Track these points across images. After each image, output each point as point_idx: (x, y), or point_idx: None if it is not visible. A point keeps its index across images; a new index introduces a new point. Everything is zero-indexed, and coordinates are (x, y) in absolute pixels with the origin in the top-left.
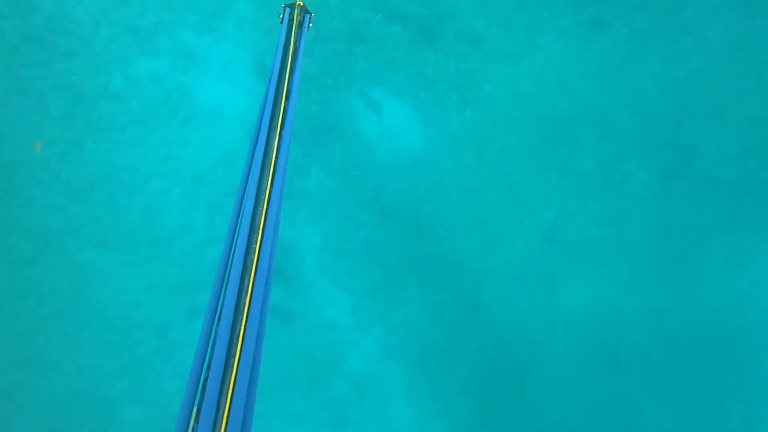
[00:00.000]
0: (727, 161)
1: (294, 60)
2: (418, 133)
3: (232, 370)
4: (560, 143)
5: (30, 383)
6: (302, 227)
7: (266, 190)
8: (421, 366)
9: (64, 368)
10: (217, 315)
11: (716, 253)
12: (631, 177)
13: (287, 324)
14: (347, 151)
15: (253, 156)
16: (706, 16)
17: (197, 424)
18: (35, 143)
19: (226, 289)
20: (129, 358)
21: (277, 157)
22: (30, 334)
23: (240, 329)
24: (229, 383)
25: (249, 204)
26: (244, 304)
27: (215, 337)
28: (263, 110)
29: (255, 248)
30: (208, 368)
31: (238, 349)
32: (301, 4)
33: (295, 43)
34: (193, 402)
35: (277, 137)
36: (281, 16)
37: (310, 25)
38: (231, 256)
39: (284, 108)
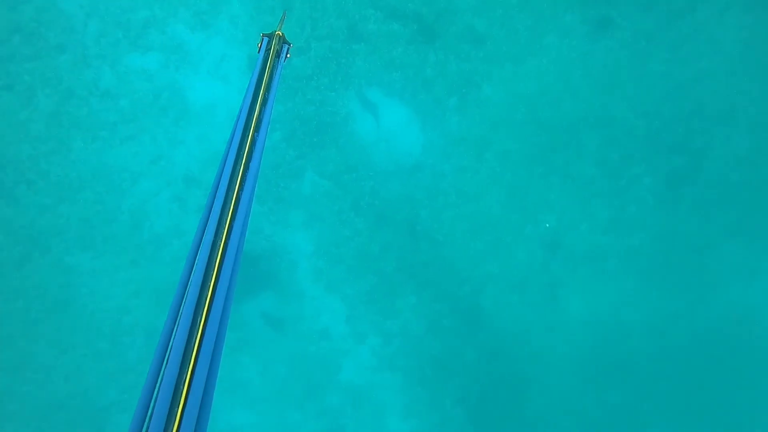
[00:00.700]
0: (736, 166)
1: (267, 91)
2: (416, 136)
3: (186, 375)
4: (563, 147)
5: (16, 390)
6: (295, 232)
7: (225, 225)
8: (418, 376)
9: (51, 375)
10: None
11: (725, 261)
12: (636, 182)
13: (279, 332)
14: (343, 153)
15: (217, 186)
16: (717, 16)
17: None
18: None
19: (186, 291)
20: (117, 365)
21: (240, 187)
22: (16, 339)
23: (198, 329)
24: (182, 394)
25: (208, 240)
26: (198, 325)
27: (173, 339)
28: (231, 141)
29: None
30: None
31: (193, 355)
32: (280, 34)
33: (270, 74)
34: (148, 403)
35: (241, 169)
36: (259, 45)
37: (288, 56)
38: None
39: (252, 138)
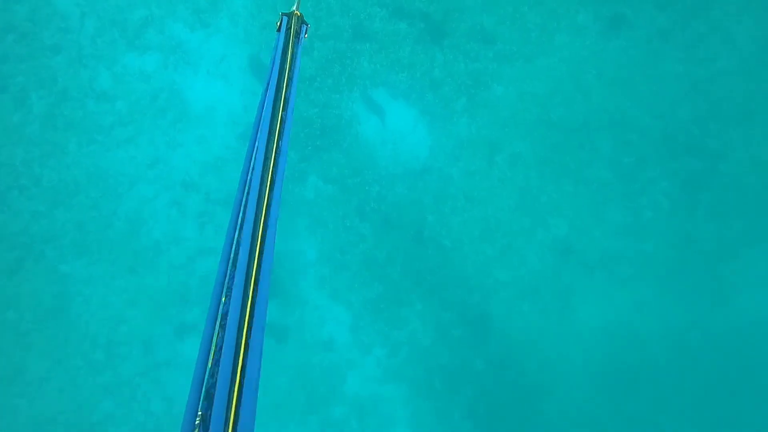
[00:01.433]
0: (754, 169)
1: (291, 69)
2: (423, 138)
3: (235, 389)
4: (575, 149)
5: (7, 403)
6: (298, 238)
7: (264, 204)
8: (425, 388)
9: (44, 387)
10: (215, 339)
11: (743, 267)
12: (651, 186)
13: (282, 342)
14: (347, 157)
15: (251, 166)
16: (734, 14)
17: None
18: None
19: (228, 305)
20: (113, 378)
21: (275, 169)
22: (8, 350)
23: (241, 349)
24: (233, 401)
25: (249, 217)
26: (244, 326)
27: (216, 356)
28: (260, 119)
29: (253, 269)
30: (211, 389)
31: (239, 370)
32: (299, 14)
33: (292, 52)
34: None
35: (275, 148)
36: (278, 24)
37: (306, 35)
38: (228, 276)
39: (282, 118)
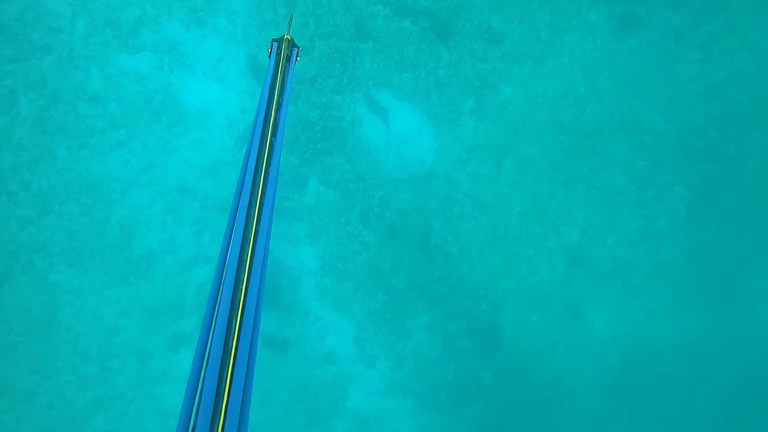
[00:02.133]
0: None
1: (281, 94)
2: (429, 142)
3: (222, 404)
4: (587, 153)
5: None
6: (298, 246)
7: (252, 228)
8: (432, 402)
9: (33, 402)
10: (208, 348)
11: (762, 276)
12: (666, 191)
13: (282, 355)
14: (349, 161)
15: (240, 194)
16: (751, 13)
17: None
18: None
19: (216, 320)
20: (105, 392)
21: (263, 193)
22: None
23: (230, 360)
24: (221, 411)
25: (240, 225)
26: (233, 336)
27: (205, 369)
28: (251, 144)
29: (243, 280)
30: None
31: (228, 381)
32: (289, 38)
33: (282, 77)
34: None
35: (263, 173)
36: (269, 50)
37: (298, 58)
38: (220, 287)
39: (270, 143)
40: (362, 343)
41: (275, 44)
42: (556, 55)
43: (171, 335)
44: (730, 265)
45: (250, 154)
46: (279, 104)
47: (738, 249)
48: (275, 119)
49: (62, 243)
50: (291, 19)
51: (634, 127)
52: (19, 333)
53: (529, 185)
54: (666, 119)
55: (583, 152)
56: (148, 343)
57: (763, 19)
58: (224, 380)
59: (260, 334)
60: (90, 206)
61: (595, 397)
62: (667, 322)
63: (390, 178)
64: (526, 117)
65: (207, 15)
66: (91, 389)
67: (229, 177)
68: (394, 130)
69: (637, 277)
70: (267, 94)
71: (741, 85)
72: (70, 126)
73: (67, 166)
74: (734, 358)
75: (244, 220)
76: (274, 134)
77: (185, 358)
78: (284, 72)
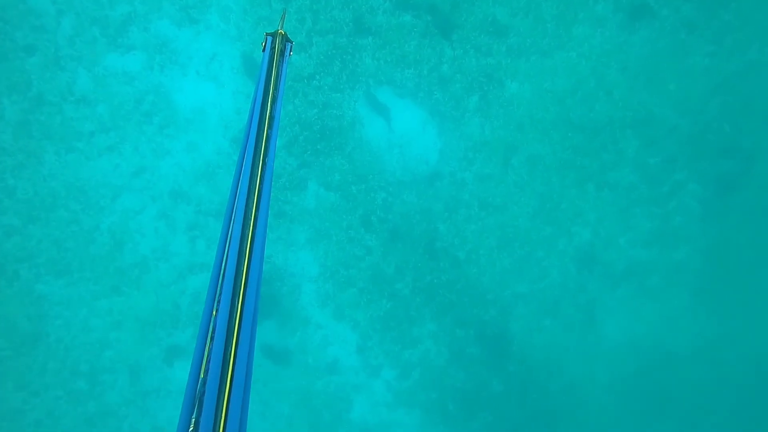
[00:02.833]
0: None
1: (276, 88)
2: (432, 141)
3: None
4: (598, 151)
5: None
6: (298, 252)
7: (250, 226)
8: (440, 413)
9: (20, 420)
10: (206, 356)
11: None
12: (680, 189)
13: (283, 366)
14: (351, 162)
15: (237, 187)
16: (764, 2)
17: None
18: None
19: (214, 328)
20: (97, 408)
21: (260, 187)
22: None
23: (228, 370)
24: (222, 414)
25: (235, 242)
26: (232, 344)
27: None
28: (247, 138)
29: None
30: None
31: (228, 383)
32: (283, 32)
33: (276, 72)
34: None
35: (260, 166)
36: (263, 44)
37: (291, 53)
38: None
39: (267, 135)
40: (366, 352)
41: (269, 38)
42: (563, 48)
43: (165, 347)
44: (749, 264)
45: (247, 146)
46: (274, 98)
47: (756, 247)
48: (271, 111)
49: (49, 252)
50: (284, 13)
51: (646, 122)
52: (4, 347)
53: (537, 185)
54: (679, 114)
55: (593, 149)
56: (142, 356)
57: None
58: (223, 390)
59: (260, 345)
60: (78, 213)
61: (610, 405)
62: (683, 325)
63: (393, 179)
64: (534, 113)
65: (199, 12)
66: (82, 405)
67: (224, 180)
68: (396, 129)
69: (652, 279)
70: (262, 87)
71: (756, 77)
72: (57, 129)
73: (54, 172)
74: (755, 362)
75: (242, 219)
76: (270, 126)
77: (181, 371)
78: (278, 66)
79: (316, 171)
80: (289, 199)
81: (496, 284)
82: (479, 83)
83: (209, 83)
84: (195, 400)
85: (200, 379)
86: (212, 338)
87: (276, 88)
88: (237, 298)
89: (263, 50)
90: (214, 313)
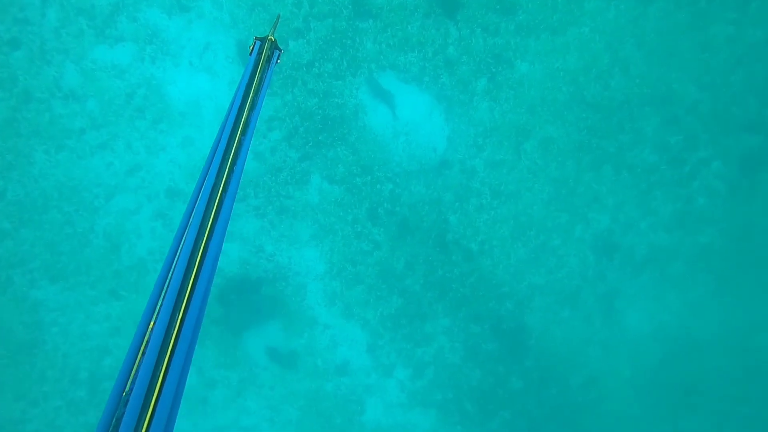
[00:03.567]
0: None
1: (257, 94)
2: (440, 127)
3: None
4: (615, 131)
5: None
6: (302, 249)
7: (205, 234)
8: (456, 412)
9: (18, 431)
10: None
11: None
12: (704, 168)
13: (290, 369)
14: (355, 152)
15: (199, 192)
16: None
17: None
18: None
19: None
20: (97, 417)
21: (222, 196)
22: None
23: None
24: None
25: (188, 244)
26: (174, 329)
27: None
28: (217, 142)
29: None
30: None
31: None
32: (273, 39)
33: (260, 77)
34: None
35: (226, 174)
36: (251, 48)
37: (278, 61)
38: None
39: (239, 141)
40: (377, 352)
41: (258, 43)
42: (575, 24)
43: None
44: None
45: (218, 148)
46: (253, 105)
47: None
48: (247, 118)
49: (43, 256)
50: (278, 19)
51: (665, 98)
52: (1, 356)
53: (552, 169)
54: (700, 88)
55: (609, 130)
56: None
57: None
58: (145, 413)
59: (266, 348)
60: (72, 215)
61: (634, 398)
62: (709, 313)
63: (399, 170)
64: (546, 94)
65: None
66: (82, 415)
67: None
68: (401, 117)
69: (675, 265)
70: (242, 93)
71: None
72: (46, 127)
73: (45, 172)
74: None
75: (197, 229)
76: (244, 133)
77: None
78: (262, 72)
79: (319, 163)
80: (291, 194)
81: (511, 276)
82: (487, 65)
83: (203, 74)
84: (111, 420)
85: (122, 398)
86: (144, 353)
87: (257, 95)
88: (178, 311)
89: (250, 54)
90: (151, 324)
